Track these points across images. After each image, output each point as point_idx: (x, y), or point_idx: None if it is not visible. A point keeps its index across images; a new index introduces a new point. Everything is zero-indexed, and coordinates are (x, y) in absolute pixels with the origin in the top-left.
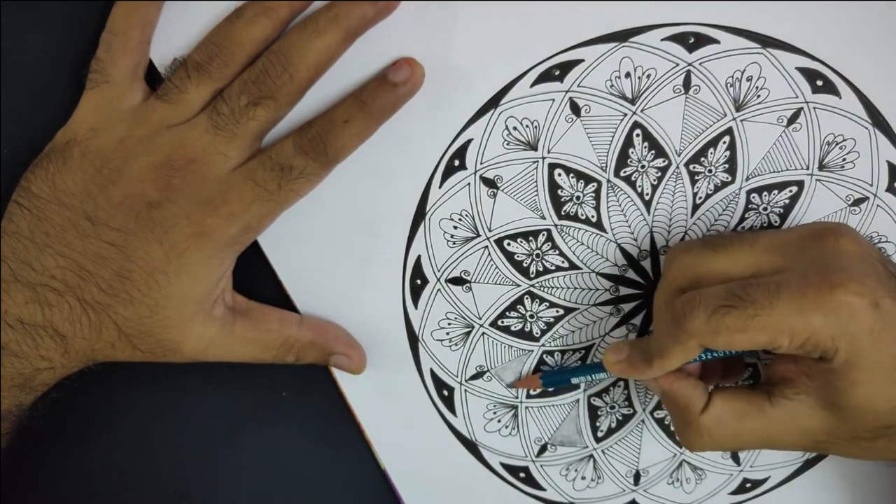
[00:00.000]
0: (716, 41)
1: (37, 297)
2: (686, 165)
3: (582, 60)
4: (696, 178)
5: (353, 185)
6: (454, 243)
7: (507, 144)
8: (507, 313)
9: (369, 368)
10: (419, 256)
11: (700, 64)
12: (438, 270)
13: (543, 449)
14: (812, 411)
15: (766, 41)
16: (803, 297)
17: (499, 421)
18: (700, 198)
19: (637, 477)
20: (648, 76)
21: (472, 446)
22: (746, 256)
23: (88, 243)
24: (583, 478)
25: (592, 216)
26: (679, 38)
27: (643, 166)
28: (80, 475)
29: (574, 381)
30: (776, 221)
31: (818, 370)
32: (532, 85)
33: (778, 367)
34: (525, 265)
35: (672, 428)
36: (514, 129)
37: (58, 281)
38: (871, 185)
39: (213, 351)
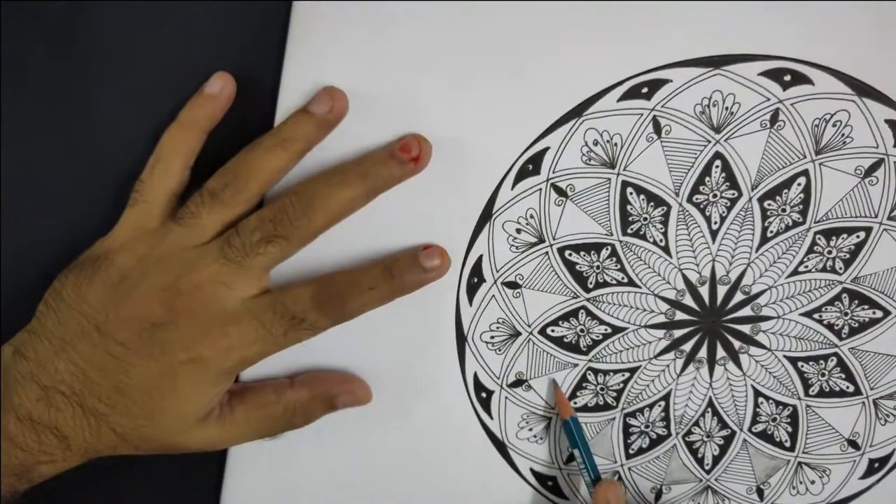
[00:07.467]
0: (810, 81)
1: (46, 397)
2: (760, 201)
3: (670, 81)
4: (769, 213)
5: (426, 171)
6: (517, 247)
7: (585, 157)
8: (559, 323)
9: (411, 357)
10: (480, 256)
11: (791, 104)
12: (497, 272)
13: (571, 458)
14: None
15: (861, 88)
16: None
17: (530, 430)
18: (771, 232)
19: (659, 494)
20: (738, 106)
21: (502, 448)
22: None
23: (95, 353)
24: None
25: (660, 239)
26: (774, 75)
27: (715, 196)
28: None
29: (575, 452)
30: (840, 268)
31: None
32: (619, 100)
33: None
34: (585, 275)
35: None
36: (595, 142)
37: (66, 385)
38: None
39: (221, 442)
